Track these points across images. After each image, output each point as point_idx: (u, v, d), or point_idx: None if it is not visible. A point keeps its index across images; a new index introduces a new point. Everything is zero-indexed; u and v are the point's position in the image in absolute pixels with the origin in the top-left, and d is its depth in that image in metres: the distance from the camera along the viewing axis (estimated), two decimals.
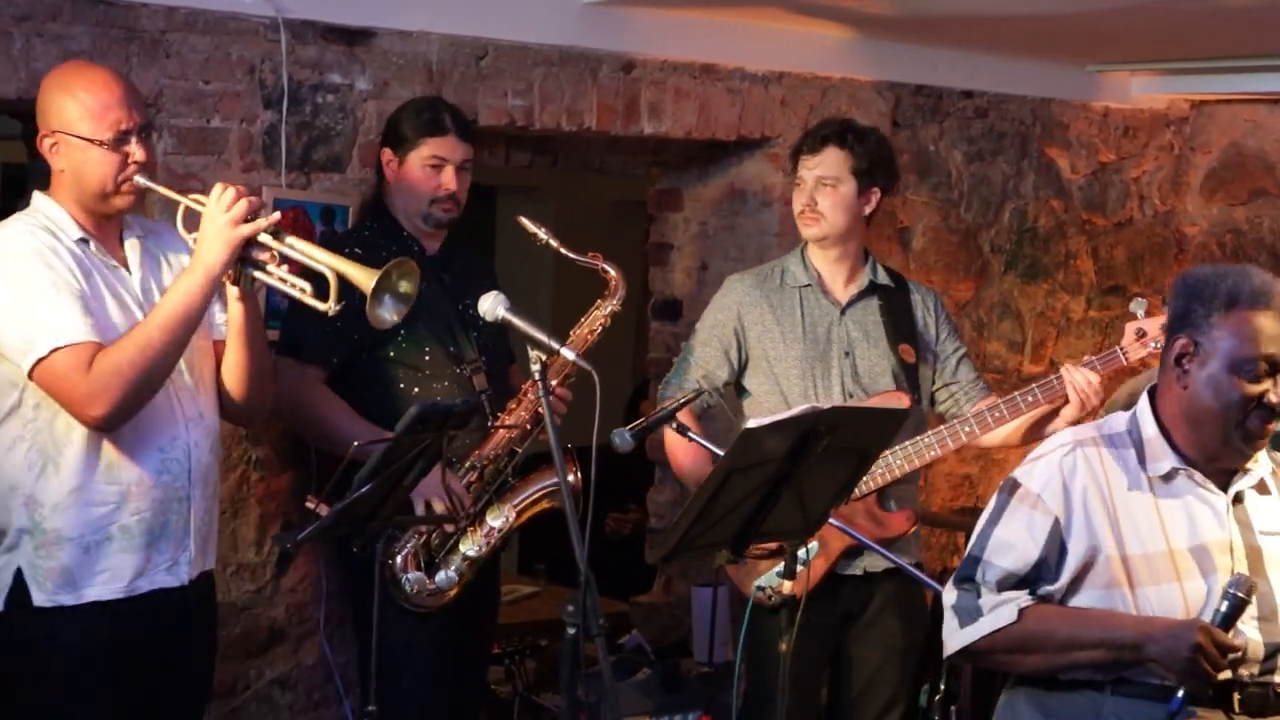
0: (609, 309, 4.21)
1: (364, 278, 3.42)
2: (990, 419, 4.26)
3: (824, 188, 4.30)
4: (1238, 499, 3.14)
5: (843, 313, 4.37)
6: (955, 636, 3.14)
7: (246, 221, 3.39)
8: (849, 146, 4.32)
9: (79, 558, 3.35)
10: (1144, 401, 3.19)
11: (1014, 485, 3.17)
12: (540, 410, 4.05)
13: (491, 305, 3.39)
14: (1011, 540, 3.11)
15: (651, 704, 4.77)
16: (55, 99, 3.41)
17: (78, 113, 3.38)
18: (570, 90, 4.88)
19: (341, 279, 3.42)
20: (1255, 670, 3.04)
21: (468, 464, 4.07)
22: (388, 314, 3.47)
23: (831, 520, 3.70)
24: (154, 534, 3.42)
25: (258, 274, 3.46)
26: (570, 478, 3.96)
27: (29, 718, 3.39)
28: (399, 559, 3.98)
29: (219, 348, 3.59)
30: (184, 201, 3.49)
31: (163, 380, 3.37)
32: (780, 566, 3.69)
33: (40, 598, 3.34)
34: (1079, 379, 4.18)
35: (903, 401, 4.19)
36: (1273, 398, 3.05)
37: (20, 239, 3.37)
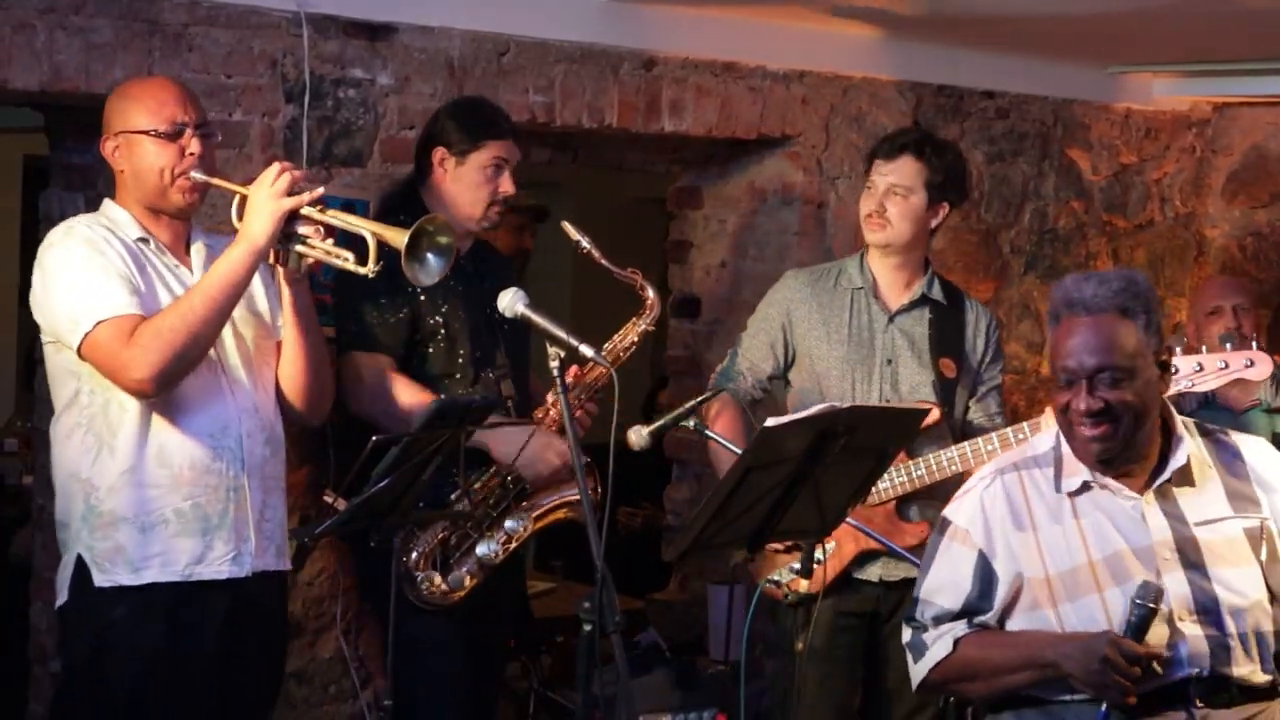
0: (642, 327, 4.18)
1: (398, 237, 3.43)
2: (1014, 439, 4.21)
3: (894, 196, 4.29)
4: (1164, 494, 3.15)
5: (891, 319, 4.35)
6: (912, 672, 3.26)
7: (291, 195, 3.43)
8: (925, 158, 4.30)
9: (135, 538, 3.43)
10: None
11: (945, 524, 3.28)
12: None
13: (510, 301, 3.37)
14: (944, 579, 3.23)
15: (667, 701, 4.77)
16: (116, 105, 3.52)
17: (135, 110, 3.48)
18: (591, 87, 4.88)
19: (380, 242, 3.44)
20: (1205, 667, 3.05)
21: (492, 468, 4.04)
22: (426, 276, 3.48)
23: (851, 521, 3.69)
24: (209, 521, 3.48)
25: (303, 249, 3.49)
26: (591, 490, 3.94)
27: (93, 699, 3.46)
28: (414, 555, 3.96)
29: (280, 350, 3.64)
30: (241, 191, 3.52)
31: (205, 349, 3.42)
32: (795, 563, 3.68)
33: (100, 579, 3.42)
34: None
35: (929, 409, 4.14)
36: (1077, 405, 3.08)
37: (74, 232, 3.46)
